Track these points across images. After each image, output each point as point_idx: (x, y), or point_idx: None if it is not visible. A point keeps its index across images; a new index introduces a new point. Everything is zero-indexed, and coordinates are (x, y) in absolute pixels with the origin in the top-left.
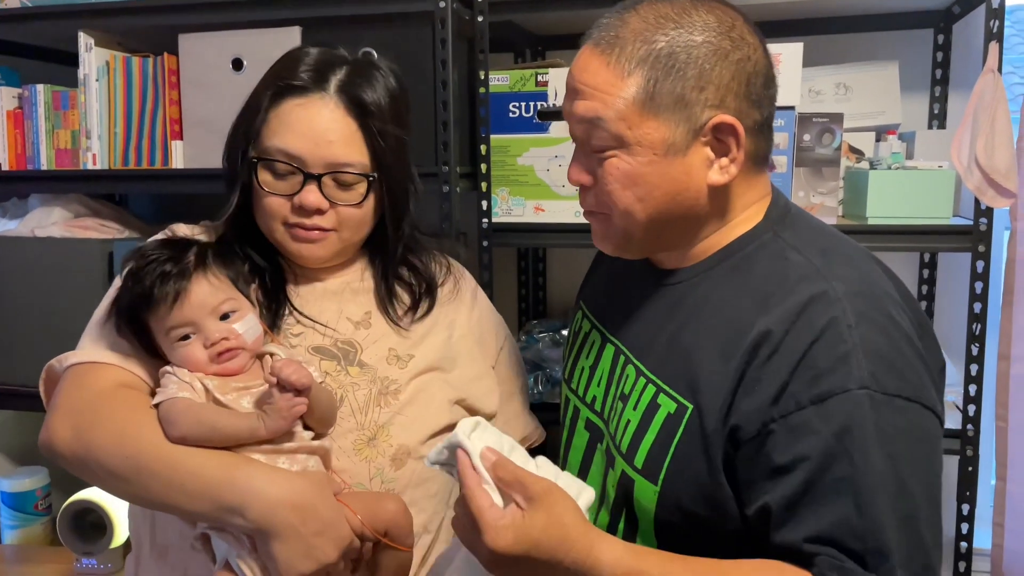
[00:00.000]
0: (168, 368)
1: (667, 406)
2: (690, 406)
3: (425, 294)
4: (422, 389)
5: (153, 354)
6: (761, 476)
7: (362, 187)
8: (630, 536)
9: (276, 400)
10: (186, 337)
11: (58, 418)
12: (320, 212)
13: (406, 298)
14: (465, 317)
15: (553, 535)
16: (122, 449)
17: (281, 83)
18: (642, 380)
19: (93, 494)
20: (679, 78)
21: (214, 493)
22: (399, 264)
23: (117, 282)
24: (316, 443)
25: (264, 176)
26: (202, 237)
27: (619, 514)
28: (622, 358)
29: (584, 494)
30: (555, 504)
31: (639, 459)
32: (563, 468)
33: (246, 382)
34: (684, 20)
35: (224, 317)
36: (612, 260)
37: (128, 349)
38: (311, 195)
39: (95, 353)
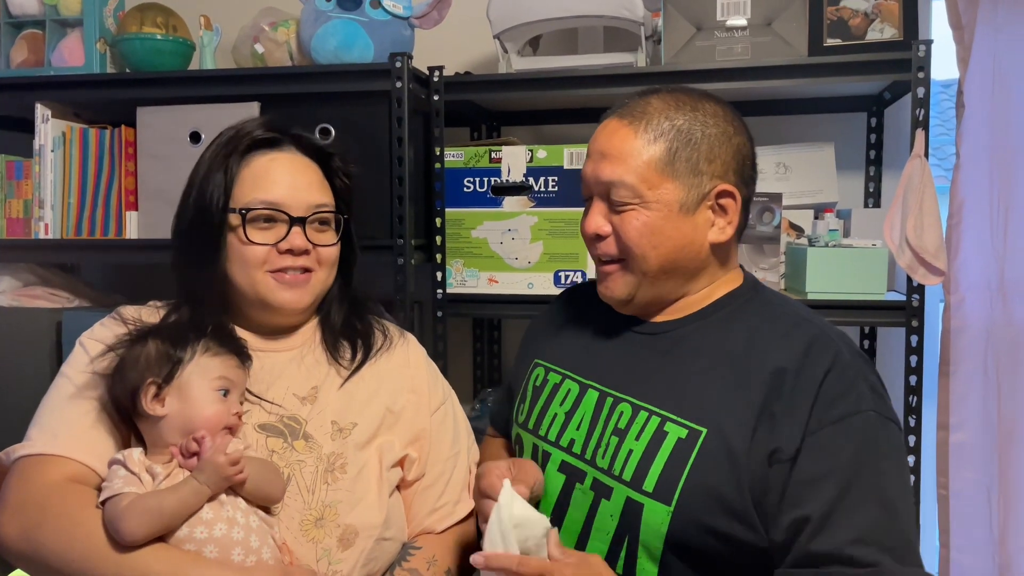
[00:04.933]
0: (118, 456)
1: (676, 432)
2: (703, 430)
3: (364, 347)
4: (367, 464)
5: (123, 418)
6: (795, 488)
7: (334, 228)
8: (630, 564)
9: (203, 451)
10: (226, 392)
11: (6, 514)
12: (306, 253)
13: (348, 352)
14: (404, 372)
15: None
16: (69, 552)
17: (247, 140)
18: (643, 413)
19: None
20: (694, 150)
21: None
22: (347, 315)
23: (65, 369)
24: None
25: (249, 228)
26: (150, 318)
27: (620, 541)
28: (609, 399)
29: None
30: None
31: (649, 483)
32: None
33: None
34: (698, 106)
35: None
36: (576, 323)
37: (79, 432)
38: (298, 238)
39: (43, 444)
